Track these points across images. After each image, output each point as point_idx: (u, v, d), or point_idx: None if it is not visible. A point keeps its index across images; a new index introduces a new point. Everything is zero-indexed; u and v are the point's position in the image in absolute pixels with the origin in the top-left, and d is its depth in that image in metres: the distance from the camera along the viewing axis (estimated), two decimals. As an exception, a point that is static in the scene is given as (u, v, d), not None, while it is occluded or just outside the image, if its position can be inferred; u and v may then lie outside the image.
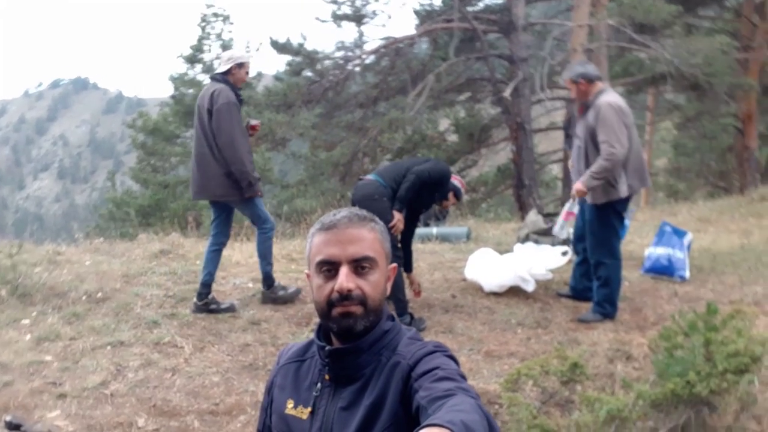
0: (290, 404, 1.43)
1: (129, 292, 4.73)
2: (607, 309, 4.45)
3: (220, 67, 4.56)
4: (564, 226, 4.43)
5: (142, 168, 17.61)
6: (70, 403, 3.28)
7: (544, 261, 4.90)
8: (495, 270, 4.81)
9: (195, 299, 4.51)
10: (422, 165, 4.44)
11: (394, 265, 1.42)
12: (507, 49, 11.38)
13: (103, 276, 5.04)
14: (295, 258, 5.95)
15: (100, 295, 4.65)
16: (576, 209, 4.43)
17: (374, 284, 1.34)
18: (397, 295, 4.30)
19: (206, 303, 4.49)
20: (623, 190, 4.31)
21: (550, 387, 3.32)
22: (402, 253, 4.52)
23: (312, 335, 1.46)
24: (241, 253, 6.07)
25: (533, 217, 5.66)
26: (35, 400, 3.29)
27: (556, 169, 16.47)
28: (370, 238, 1.35)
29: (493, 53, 11.53)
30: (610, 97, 4.37)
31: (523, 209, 10.57)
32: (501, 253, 5.18)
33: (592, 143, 4.34)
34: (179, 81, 17.77)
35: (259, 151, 12.08)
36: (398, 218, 4.31)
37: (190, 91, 17.83)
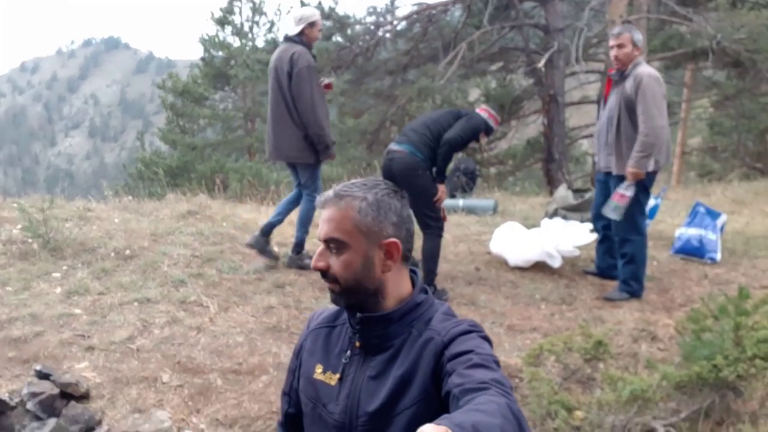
0: (319, 369, 1.44)
1: (156, 250, 4.78)
2: (633, 287, 4.38)
3: (293, 29, 4.55)
4: (617, 208, 4.27)
5: (171, 129, 17.74)
6: (98, 356, 3.35)
7: (571, 237, 4.84)
8: (521, 244, 4.76)
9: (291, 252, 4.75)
10: (453, 130, 4.28)
11: (391, 240, 1.35)
12: (543, 18, 11.08)
13: (132, 234, 5.11)
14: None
15: (128, 252, 4.72)
16: (631, 192, 4.18)
17: (344, 264, 1.34)
18: (428, 265, 4.29)
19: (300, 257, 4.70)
20: (650, 164, 4.20)
21: (573, 364, 3.30)
22: (443, 224, 4.44)
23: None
24: (267, 216, 6.09)
25: (563, 193, 5.57)
26: (64, 351, 3.37)
27: (586, 144, 16.15)
28: (339, 217, 1.34)
29: (528, 23, 11.24)
30: (648, 68, 4.26)
31: (551, 184, 10.42)
32: (528, 227, 5.12)
33: (627, 113, 4.21)
34: (209, 43, 17.72)
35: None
36: (442, 190, 4.31)
37: (220, 53, 17.81)
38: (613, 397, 2.91)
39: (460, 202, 6.77)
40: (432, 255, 4.35)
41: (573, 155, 15.53)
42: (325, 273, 1.36)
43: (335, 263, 1.35)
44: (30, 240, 4.74)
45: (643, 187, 4.29)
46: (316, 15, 4.58)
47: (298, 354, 1.55)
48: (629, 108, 4.18)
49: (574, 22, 11.39)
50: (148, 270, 4.47)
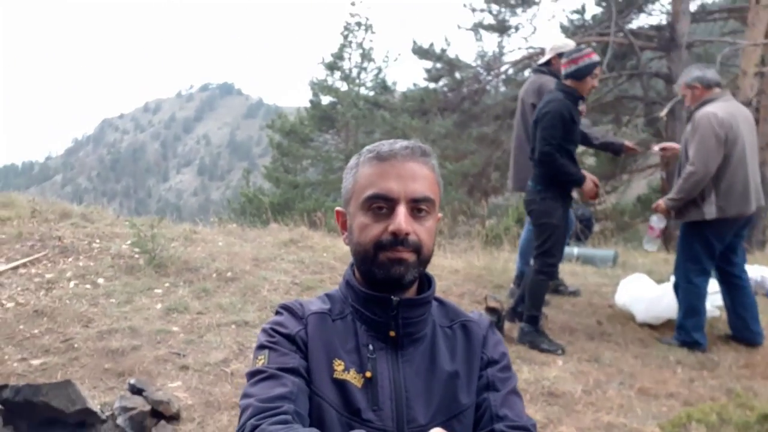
0: (339, 366, 1.13)
1: (257, 275, 4.66)
2: (683, 336, 4.00)
3: (543, 58, 4.49)
4: (649, 240, 4.20)
5: (276, 168, 18.29)
6: (192, 376, 3.18)
7: (710, 294, 4.24)
8: (651, 299, 4.22)
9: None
10: (538, 134, 3.80)
11: (440, 215, 1.24)
12: (665, 67, 10.49)
13: (234, 257, 5.04)
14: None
15: (229, 274, 4.63)
16: (661, 225, 4.12)
17: (430, 231, 1.15)
18: (528, 303, 3.92)
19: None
20: (710, 212, 3.84)
21: (728, 440, 2.75)
22: (552, 263, 3.93)
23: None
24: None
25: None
26: (159, 368, 3.23)
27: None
28: (431, 177, 1.16)
29: (649, 71, 10.68)
30: (715, 106, 3.82)
31: (667, 242, 9.61)
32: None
33: (685, 157, 3.90)
34: (318, 86, 18.31)
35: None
36: (586, 189, 3.83)
37: (328, 97, 18.35)
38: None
39: (575, 250, 6.25)
40: (532, 294, 3.92)
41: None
42: (404, 239, 1.10)
43: (421, 229, 1.13)
44: (137, 255, 4.77)
45: (703, 236, 3.93)
46: (566, 47, 4.38)
47: (295, 341, 1.15)
48: (686, 151, 3.92)
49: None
50: (248, 293, 4.33)
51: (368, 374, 1.13)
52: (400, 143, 1.17)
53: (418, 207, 1.13)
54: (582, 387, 3.36)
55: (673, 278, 4.22)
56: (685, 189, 3.83)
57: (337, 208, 1.24)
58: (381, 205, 1.12)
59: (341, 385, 1.12)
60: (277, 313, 1.23)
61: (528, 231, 4.75)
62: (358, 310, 1.19)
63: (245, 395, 1.10)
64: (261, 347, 1.17)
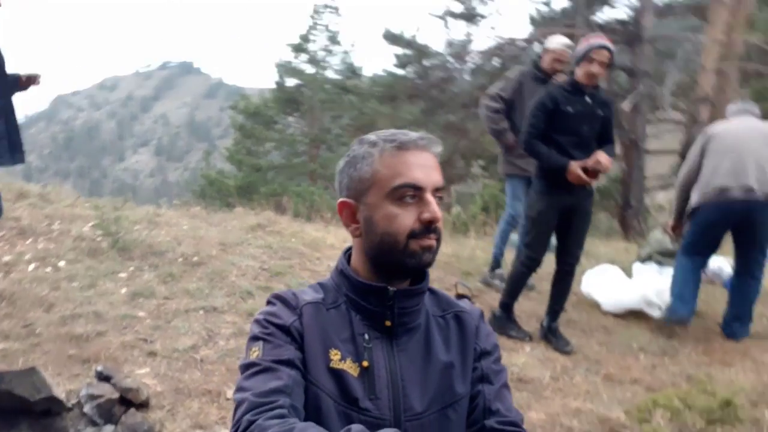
0: (335, 356, 1.13)
1: (224, 260, 4.59)
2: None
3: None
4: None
5: (238, 150, 18.02)
6: (160, 363, 3.11)
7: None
8: (617, 289, 4.32)
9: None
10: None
11: None
12: (628, 61, 10.69)
13: (200, 241, 4.94)
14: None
15: (196, 259, 4.54)
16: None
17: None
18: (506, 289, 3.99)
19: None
20: (693, 201, 4.19)
21: (692, 424, 2.84)
22: (531, 256, 3.90)
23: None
24: (335, 236, 5.86)
25: (658, 236, 5.10)
26: (126, 354, 3.15)
27: (660, 196, 15.42)
28: (439, 168, 1.20)
29: (612, 65, 10.85)
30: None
31: (627, 231, 9.87)
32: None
33: None
34: (284, 68, 18.06)
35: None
36: (573, 172, 3.55)
37: (293, 79, 18.12)
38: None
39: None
40: (510, 282, 4.00)
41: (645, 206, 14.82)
42: (435, 227, 1.14)
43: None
44: (100, 238, 4.63)
45: (694, 223, 4.24)
46: (552, 44, 4.58)
47: (290, 331, 1.13)
48: None
49: (659, 67, 10.96)
50: (216, 279, 4.26)
51: (365, 363, 1.12)
52: (413, 134, 1.17)
53: (438, 195, 1.16)
54: (550, 373, 3.43)
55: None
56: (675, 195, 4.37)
57: (342, 200, 1.21)
58: (412, 193, 1.13)
59: (338, 375, 1.12)
60: (269, 303, 1.21)
61: (503, 219, 4.84)
62: (353, 299, 1.18)
63: (240, 389, 1.08)
64: (254, 338, 1.15)
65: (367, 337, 1.15)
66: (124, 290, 3.92)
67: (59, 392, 2.55)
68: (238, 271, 4.41)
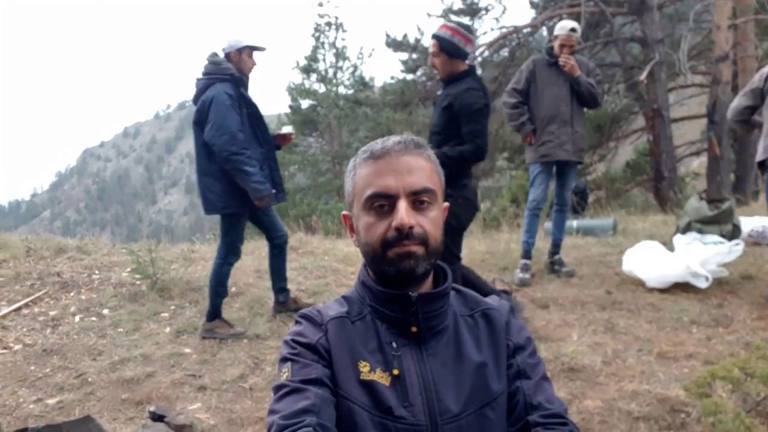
0: (365, 368, 1.12)
1: (261, 286, 4.63)
2: None
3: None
4: None
5: (263, 176, 18.21)
6: (210, 396, 3.15)
7: (716, 254, 4.24)
8: (660, 263, 4.21)
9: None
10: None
11: (447, 204, 1.22)
12: (639, 31, 10.50)
13: (236, 271, 4.98)
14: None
15: (234, 289, 4.59)
16: None
17: (435, 221, 1.14)
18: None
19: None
20: (759, 153, 3.95)
21: (756, 393, 2.74)
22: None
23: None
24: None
25: (695, 204, 4.95)
26: (176, 391, 3.19)
27: (695, 163, 15.06)
28: (428, 168, 1.16)
29: (624, 36, 10.66)
30: None
31: (663, 204, 9.64)
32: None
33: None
34: (296, 91, 18.22)
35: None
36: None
37: (307, 100, 18.26)
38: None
39: (575, 223, 6.23)
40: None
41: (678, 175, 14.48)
42: (408, 233, 1.09)
43: (425, 220, 1.12)
44: (139, 282, 4.72)
45: None
46: (556, 29, 4.69)
47: (316, 349, 1.13)
48: None
49: (671, 33, 10.73)
50: (255, 306, 4.30)
51: (396, 372, 1.12)
52: (393, 139, 1.16)
53: (419, 199, 1.12)
54: (601, 358, 3.35)
55: None
56: None
57: (344, 212, 1.24)
58: (382, 202, 1.11)
59: (369, 386, 1.11)
60: (297, 322, 1.22)
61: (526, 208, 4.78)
62: (377, 309, 1.18)
63: (270, 412, 1.09)
64: (284, 360, 1.16)
65: (395, 345, 1.14)
66: (168, 329, 3.99)
67: (116, 437, 2.59)
68: (276, 296, 4.43)
